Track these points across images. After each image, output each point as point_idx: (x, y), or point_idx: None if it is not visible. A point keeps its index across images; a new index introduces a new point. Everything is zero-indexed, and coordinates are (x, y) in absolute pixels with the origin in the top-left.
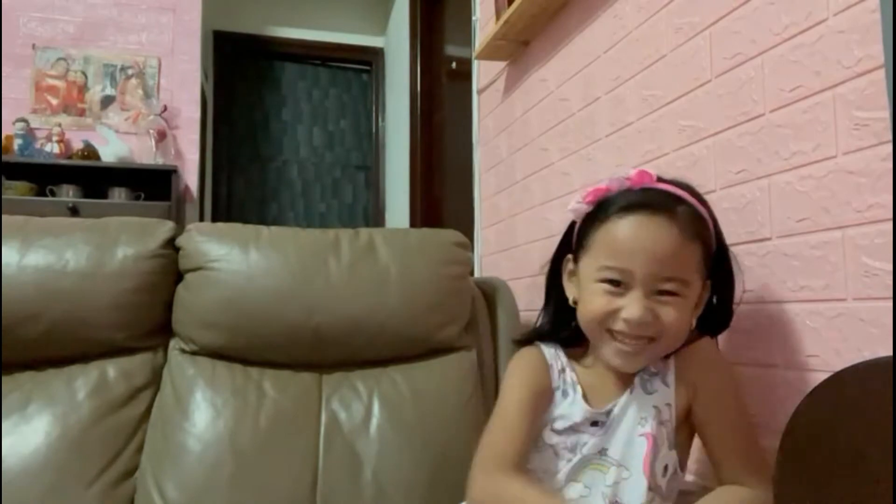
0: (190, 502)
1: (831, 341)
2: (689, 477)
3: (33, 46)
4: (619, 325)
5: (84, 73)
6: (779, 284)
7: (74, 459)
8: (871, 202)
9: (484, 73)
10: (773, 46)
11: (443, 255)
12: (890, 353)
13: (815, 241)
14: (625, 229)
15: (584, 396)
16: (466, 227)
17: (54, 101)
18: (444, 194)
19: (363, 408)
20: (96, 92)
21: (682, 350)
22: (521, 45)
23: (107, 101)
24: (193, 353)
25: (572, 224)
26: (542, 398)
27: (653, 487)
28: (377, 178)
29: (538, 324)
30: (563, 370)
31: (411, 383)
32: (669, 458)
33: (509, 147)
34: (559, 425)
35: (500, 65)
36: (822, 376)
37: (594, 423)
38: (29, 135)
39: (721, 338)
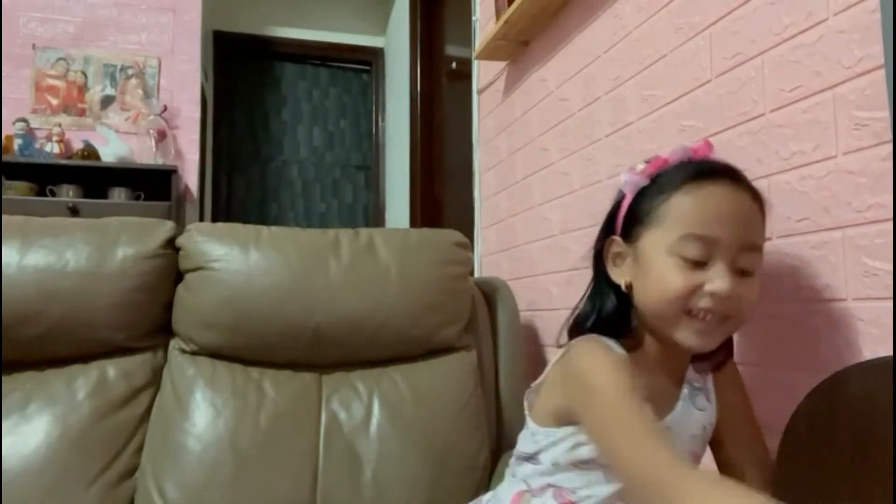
0: (190, 502)
1: (831, 341)
2: None
3: (33, 46)
4: (703, 302)
5: (84, 73)
6: (779, 285)
7: (74, 459)
8: (871, 202)
9: (484, 73)
10: (773, 46)
11: (443, 255)
12: (890, 353)
13: (815, 241)
14: (709, 196)
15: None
16: (466, 227)
17: (54, 101)
18: (444, 194)
19: (363, 408)
20: (96, 92)
21: (720, 369)
22: (521, 45)
23: (107, 101)
24: (193, 353)
25: (618, 203)
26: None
27: None
28: (377, 178)
29: (591, 319)
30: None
31: (411, 383)
32: (699, 447)
33: (509, 147)
34: None
35: (500, 65)
36: (821, 376)
37: None
38: (29, 135)
39: None
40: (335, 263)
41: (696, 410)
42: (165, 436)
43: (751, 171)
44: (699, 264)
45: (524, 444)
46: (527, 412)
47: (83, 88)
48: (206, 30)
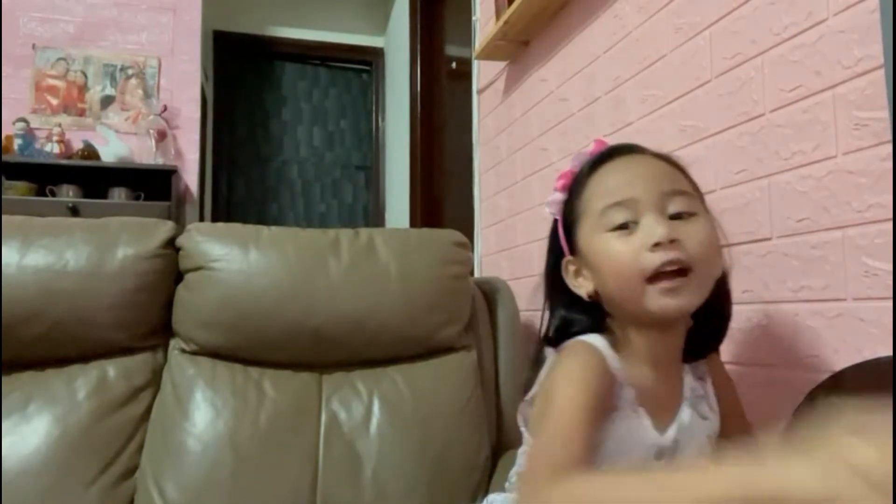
0: (190, 502)
1: (831, 341)
2: None
3: (33, 46)
4: (652, 259)
5: (84, 73)
6: (779, 284)
7: (74, 459)
8: (870, 202)
9: (484, 73)
10: (773, 46)
11: (443, 255)
12: (890, 353)
13: (815, 240)
14: (611, 170)
15: (652, 422)
16: (466, 227)
17: (54, 101)
18: (444, 194)
19: (363, 408)
20: (96, 92)
21: (712, 372)
22: (521, 45)
23: (107, 101)
24: (193, 352)
25: (554, 227)
26: (602, 415)
27: None
28: (377, 177)
29: (570, 328)
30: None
31: (411, 383)
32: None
33: (509, 147)
34: (619, 450)
35: (500, 65)
36: (822, 376)
37: (658, 456)
38: (29, 135)
39: None
40: (335, 263)
41: (700, 420)
42: (165, 436)
43: (751, 171)
44: (631, 227)
45: (522, 459)
46: (522, 427)
47: (83, 88)
48: (206, 30)
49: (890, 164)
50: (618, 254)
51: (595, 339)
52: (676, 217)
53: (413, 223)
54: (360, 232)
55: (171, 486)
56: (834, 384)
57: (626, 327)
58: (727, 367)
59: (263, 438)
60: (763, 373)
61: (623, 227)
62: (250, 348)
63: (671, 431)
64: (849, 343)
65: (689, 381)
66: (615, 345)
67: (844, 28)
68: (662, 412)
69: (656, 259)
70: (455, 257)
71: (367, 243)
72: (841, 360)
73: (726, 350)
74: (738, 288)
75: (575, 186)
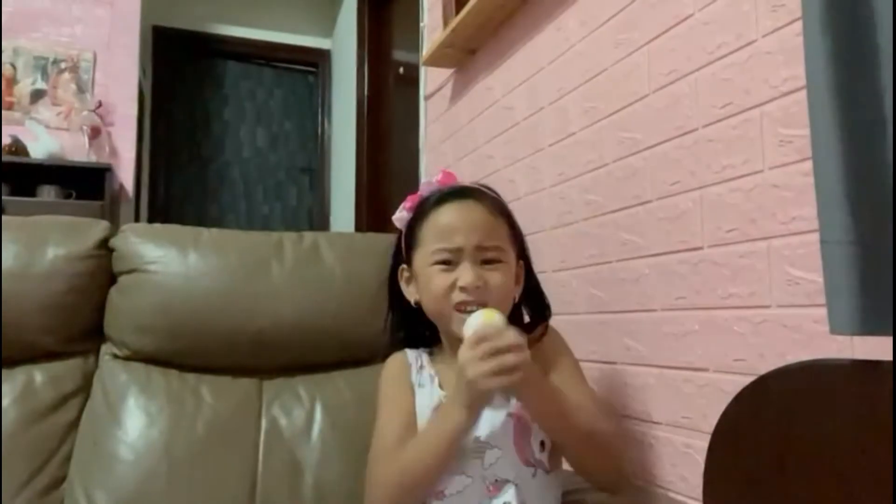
0: None
1: (756, 346)
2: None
3: None
4: (458, 296)
5: (13, 66)
6: (709, 292)
7: None
8: (794, 214)
9: (431, 79)
10: (706, 64)
11: (388, 260)
12: (811, 357)
13: (742, 250)
14: (445, 214)
15: (440, 385)
16: None
17: None
18: (389, 198)
19: (305, 413)
20: (26, 85)
21: (536, 344)
22: (469, 53)
23: (37, 95)
24: (126, 358)
25: (399, 237)
26: (410, 409)
27: (533, 463)
28: (322, 180)
29: (390, 334)
30: (421, 367)
31: (355, 389)
32: (542, 434)
33: (455, 153)
34: (426, 420)
35: (448, 72)
36: (748, 379)
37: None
38: None
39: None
40: (278, 267)
41: (498, 395)
42: (96, 444)
43: (685, 183)
44: (452, 266)
45: None
46: None
47: (12, 81)
48: (145, 24)
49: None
50: (437, 286)
51: (410, 350)
52: (487, 262)
53: (358, 227)
54: (305, 235)
55: (101, 496)
56: (758, 387)
57: (439, 331)
58: (662, 370)
59: (200, 446)
60: (694, 376)
61: (447, 263)
62: (187, 354)
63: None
64: (773, 348)
65: None
66: (431, 349)
67: (772, 49)
68: None
69: (461, 297)
70: None
71: (312, 247)
72: (766, 364)
73: (661, 354)
74: (671, 294)
75: (419, 212)
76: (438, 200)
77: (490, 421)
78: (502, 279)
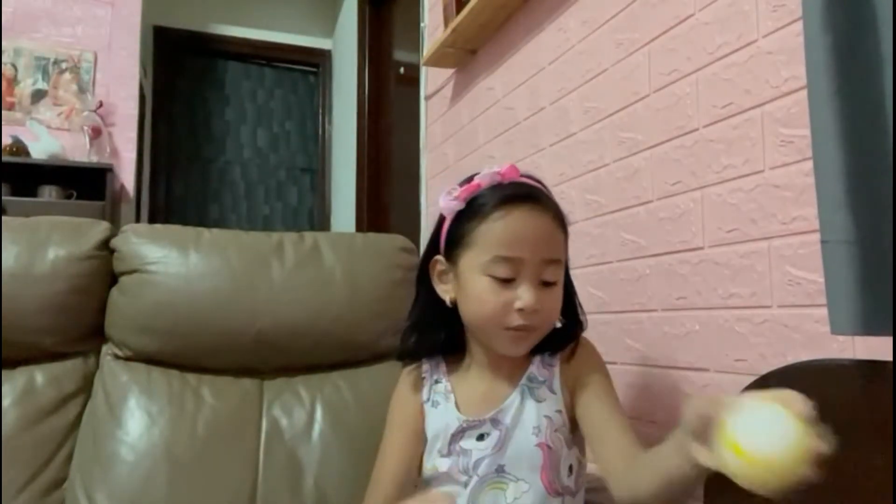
0: None
1: (757, 346)
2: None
3: None
4: (516, 319)
5: (14, 66)
6: (710, 292)
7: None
8: (794, 214)
9: (432, 79)
10: (707, 64)
11: (389, 260)
12: (812, 357)
13: (743, 250)
14: (513, 221)
15: (457, 404)
16: (413, 233)
17: None
18: (390, 199)
19: (305, 414)
20: (27, 85)
21: (569, 357)
22: (469, 53)
23: (38, 96)
24: (127, 358)
25: (439, 224)
26: (417, 431)
27: (561, 491)
28: (323, 181)
29: (413, 337)
30: (437, 381)
31: (355, 389)
32: (572, 457)
33: (456, 154)
34: (440, 445)
35: (448, 72)
36: (749, 379)
37: (480, 438)
38: None
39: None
40: (279, 267)
41: (533, 402)
42: (96, 445)
43: (685, 183)
44: (508, 281)
45: None
46: None
47: (13, 81)
48: (145, 24)
49: (811, 179)
50: (488, 301)
51: (427, 360)
52: (545, 283)
53: (359, 227)
54: (305, 235)
55: (102, 497)
56: (759, 387)
57: (472, 337)
58: (662, 370)
59: (201, 447)
60: (695, 376)
61: (501, 277)
62: (188, 354)
63: (491, 413)
64: (774, 348)
65: (533, 369)
66: (454, 358)
67: (773, 49)
68: (488, 400)
69: (517, 320)
70: (401, 262)
71: (312, 247)
72: (767, 364)
73: (661, 355)
74: (672, 294)
75: (476, 207)
76: (503, 201)
77: (520, 454)
78: (556, 303)
